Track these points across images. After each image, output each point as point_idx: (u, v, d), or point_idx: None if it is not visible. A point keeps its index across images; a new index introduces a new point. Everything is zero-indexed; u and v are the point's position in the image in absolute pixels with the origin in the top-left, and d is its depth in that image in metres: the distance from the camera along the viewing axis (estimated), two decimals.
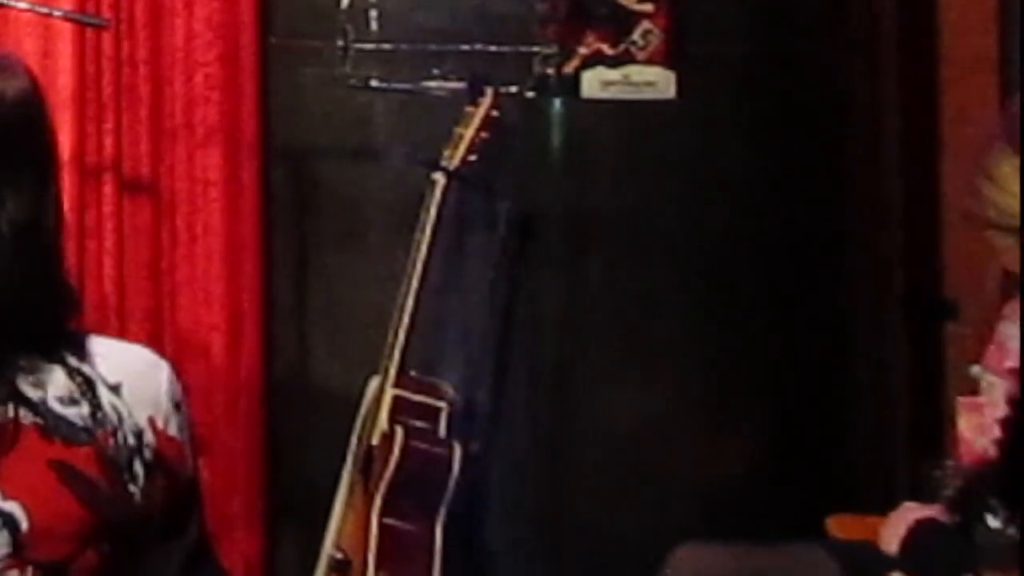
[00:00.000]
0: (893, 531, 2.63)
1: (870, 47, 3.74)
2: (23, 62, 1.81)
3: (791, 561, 2.90)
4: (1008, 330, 2.69)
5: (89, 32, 3.65)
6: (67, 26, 3.61)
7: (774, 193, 3.66)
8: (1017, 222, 2.40)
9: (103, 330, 2.29)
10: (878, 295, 3.79)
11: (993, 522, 2.36)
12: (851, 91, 3.72)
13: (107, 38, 3.68)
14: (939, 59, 3.54)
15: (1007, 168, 2.43)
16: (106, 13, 3.64)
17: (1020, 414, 2.41)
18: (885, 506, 2.78)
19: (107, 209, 3.79)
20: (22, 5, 3.44)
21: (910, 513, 2.63)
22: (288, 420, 3.81)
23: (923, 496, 2.67)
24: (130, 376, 1.57)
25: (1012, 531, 2.31)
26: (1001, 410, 2.57)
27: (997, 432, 2.53)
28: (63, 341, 1.54)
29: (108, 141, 3.75)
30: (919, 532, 2.53)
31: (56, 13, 3.52)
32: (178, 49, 3.78)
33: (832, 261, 3.73)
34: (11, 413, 1.45)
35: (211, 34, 3.76)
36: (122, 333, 3.75)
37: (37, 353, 1.50)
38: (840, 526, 2.89)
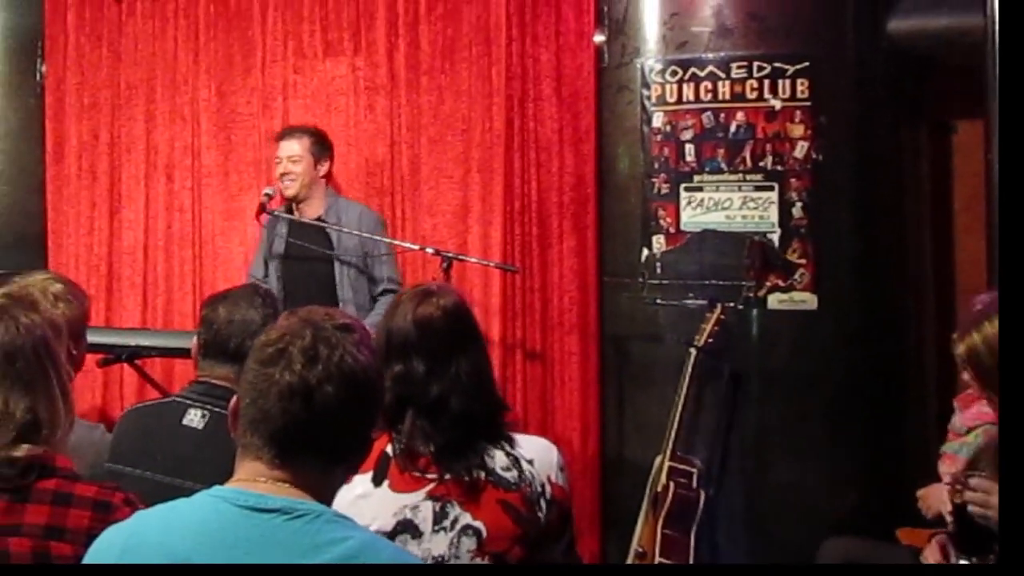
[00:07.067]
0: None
1: (919, 293, 4.84)
2: (453, 288, 2.74)
3: (890, 554, 3.63)
4: (955, 418, 3.58)
5: (508, 275, 5.18)
6: (497, 271, 5.17)
7: (869, 355, 4.64)
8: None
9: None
10: (921, 414, 4.79)
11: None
12: (904, 313, 4.76)
13: (517, 277, 5.23)
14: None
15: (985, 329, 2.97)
16: (516, 263, 5.21)
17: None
18: (932, 524, 3.53)
19: (518, 368, 5.23)
20: (472, 260, 5.05)
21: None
22: (613, 479, 5.09)
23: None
24: (538, 454, 2.38)
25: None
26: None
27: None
28: (503, 438, 2.36)
29: (519, 332, 5.25)
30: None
31: (491, 264, 5.08)
32: (555, 283, 5.27)
33: (892, 390, 4.71)
34: (481, 475, 2.28)
35: (572, 275, 5.24)
36: (527, 431, 4.22)
37: (490, 443, 2.33)
38: (905, 535, 3.70)
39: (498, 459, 2.30)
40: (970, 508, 2.71)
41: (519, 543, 2.25)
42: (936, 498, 3.45)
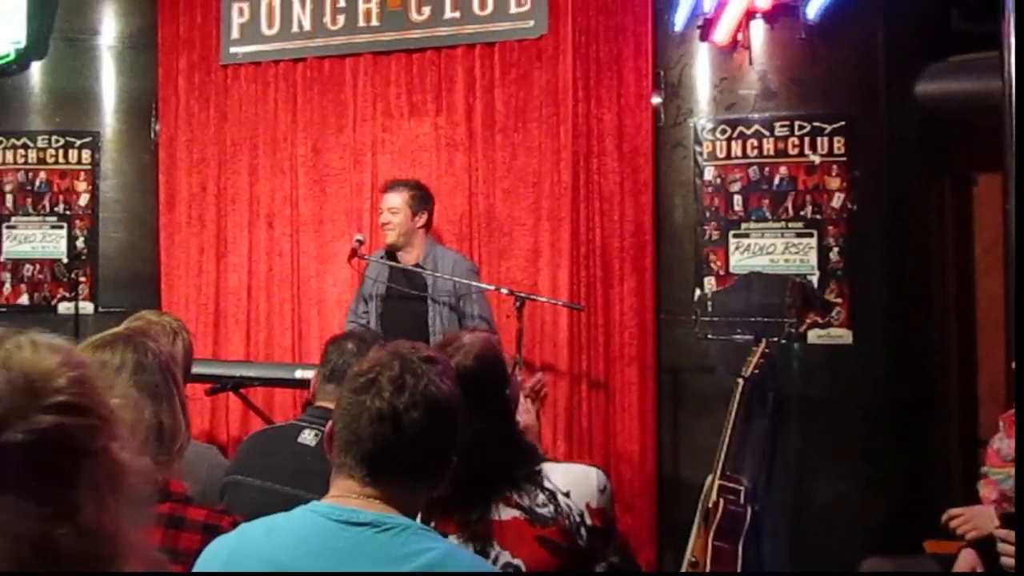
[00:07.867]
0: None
1: (943, 328, 5.06)
2: (479, 345, 2.43)
3: (921, 567, 3.69)
4: (997, 442, 3.51)
5: (575, 312, 5.47)
6: (564, 309, 5.41)
7: (898, 384, 4.86)
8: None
9: None
10: (944, 437, 5.03)
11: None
12: (929, 346, 4.98)
13: (583, 315, 5.49)
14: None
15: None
16: (582, 302, 5.47)
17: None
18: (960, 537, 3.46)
19: (583, 395, 5.47)
20: (542, 299, 5.29)
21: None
22: (669, 496, 5.33)
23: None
24: (575, 484, 2.35)
25: None
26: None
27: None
28: (538, 474, 2.33)
29: (584, 363, 5.52)
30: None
31: (559, 303, 5.33)
32: (615, 320, 5.54)
33: (919, 415, 4.92)
34: (518, 515, 2.29)
35: (632, 312, 5.49)
36: (592, 452, 5.20)
37: (522, 481, 2.31)
38: (932, 546, 3.75)
39: (534, 495, 2.31)
40: (1003, 560, 2.81)
41: (560, 572, 2.27)
42: (981, 519, 3.36)
